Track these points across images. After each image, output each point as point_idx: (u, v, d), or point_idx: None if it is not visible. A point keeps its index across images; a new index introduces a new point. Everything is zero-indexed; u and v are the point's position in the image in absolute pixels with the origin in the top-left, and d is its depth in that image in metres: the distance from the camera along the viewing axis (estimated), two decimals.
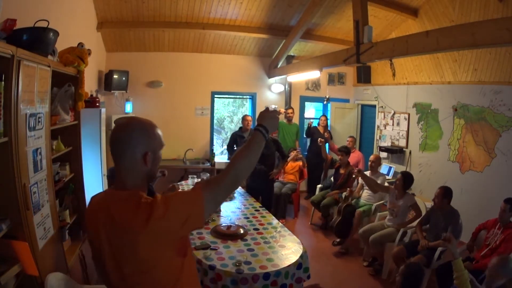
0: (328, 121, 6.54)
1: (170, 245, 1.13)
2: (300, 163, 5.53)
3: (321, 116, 6.37)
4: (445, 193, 3.36)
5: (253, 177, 4.27)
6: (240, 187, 4.19)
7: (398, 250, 3.35)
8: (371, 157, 4.60)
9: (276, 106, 5.00)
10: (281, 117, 6.10)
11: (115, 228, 1.10)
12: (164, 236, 1.10)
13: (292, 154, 5.49)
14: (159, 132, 1.20)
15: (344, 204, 4.28)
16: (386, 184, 4.30)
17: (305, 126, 7.20)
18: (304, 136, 6.48)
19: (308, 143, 6.50)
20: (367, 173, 4.44)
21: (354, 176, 4.54)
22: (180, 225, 1.10)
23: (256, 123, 1.31)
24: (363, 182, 4.33)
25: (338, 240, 4.29)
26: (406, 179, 3.77)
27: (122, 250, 1.11)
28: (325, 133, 6.03)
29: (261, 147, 1.26)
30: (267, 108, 1.41)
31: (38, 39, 2.00)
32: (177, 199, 1.14)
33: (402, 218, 3.75)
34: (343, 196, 4.52)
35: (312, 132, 6.16)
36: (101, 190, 4.06)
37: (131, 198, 1.11)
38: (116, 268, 1.14)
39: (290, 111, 6.15)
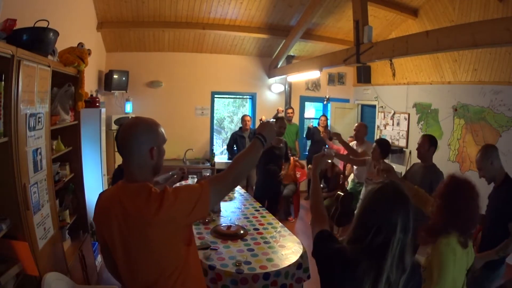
0: (328, 121, 6.53)
1: (177, 233, 1.25)
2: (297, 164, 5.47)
3: (320, 116, 6.36)
4: (431, 140, 3.03)
5: (266, 176, 4.32)
6: (243, 190, 4.21)
7: None
8: (355, 126, 4.33)
9: (274, 120, 4.98)
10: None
11: (127, 218, 1.21)
12: (173, 223, 1.22)
13: (292, 161, 5.27)
14: (162, 129, 1.33)
15: (341, 194, 4.16)
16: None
17: (305, 126, 7.20)
18: (305, 137, 6.46)
19: (309, 144, 6.49)
20: (353, 143, 4.31)
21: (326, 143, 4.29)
22: (188, 213, 1.22)
23: (256, 132, 1.50)
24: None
25: None
26: (382, 146, 3.41)
27: (132, 238, 1.22)
28: (322, 133, 5.93)
29: (259, 152, 1.44)
30: (267, 121, 1.62)
31: (38, 39, 2.00)
32: (185, 190, 1.27)
33: None
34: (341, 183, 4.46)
35: (312, 133, 6.13)
36: (101, 190, 4.08)
37: (142, 189, 1.23)
38: (125, 257, 1.26)
39: (290, 111, 6.15)
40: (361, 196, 3.63)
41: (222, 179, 1.33)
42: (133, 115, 5.54)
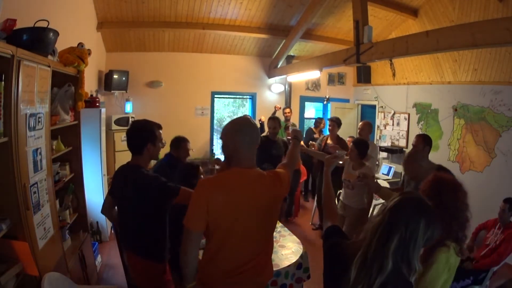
0: (327, 122, 6.45)
1: None
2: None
3: (317, 118, 6.19)
4: (425, 139, 3.01)
5: None
6: None
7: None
8: (359, 125, 4.28)
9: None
10: (280, 116, 6.05)
11: (264, 194, 1.53)
12: (283, 197, 1.69)
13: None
14: None
15: (341, 191, 4.08)
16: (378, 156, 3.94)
17: (305, 126, 7.17)
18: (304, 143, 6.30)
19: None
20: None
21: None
22: (287, 190, 1.67)
23: (292, 136, 2.06)
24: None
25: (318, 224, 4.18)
26: (359, 146, 3.25)
27: (270, 212, 1.58)
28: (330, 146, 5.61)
29: (299, 148, 2.07)
30: (298, 129, 2.25)
31: (38, 39, 2.00)
32: (282, 173, 1.66)
33: (360, 190, 3.24)
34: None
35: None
36: (102, 190, 4.07)
37: (268, 174, 1.60)
38: (247, 229, 1.52)
39: (287, 111, 6.10)
40: (341, 197, 3.46)
41: (289, 166, 1.78)
42: (133, 115, 5.54)
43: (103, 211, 2.25)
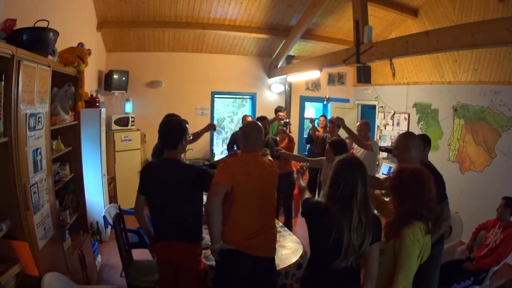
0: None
1: None
2: (286, 141, 4.52)
3: (320, 116, 6.26)
4: (425, 141, 2.77)
5: None
6: None
7: None
8: (357, 126, 4.17)
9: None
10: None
11: (267, 174, 2.09)
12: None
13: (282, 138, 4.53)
14: None
15: None
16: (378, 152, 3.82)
17: (305, 127, 7.16)
18: (305, 142, 6.30)
19: (307, 147, 6.39)
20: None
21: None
22: None
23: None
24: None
25: None
26: (336, 147, 3.05)
27: (269, 186, 2.13)
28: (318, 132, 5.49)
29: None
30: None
31: (38, 39, 2.00)
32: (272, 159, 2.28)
33: None
34: None
35: (312, 139, 5.62)
36: (101, 190, 4.07)
37: (269, 160, 2.19)
38: (262, 199, 2.05)
39: (282, 114, 6.03)
40: (320, 198, 3.30)
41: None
42: (133, 115, 5.54)
43: (138, 213, 2.19)
